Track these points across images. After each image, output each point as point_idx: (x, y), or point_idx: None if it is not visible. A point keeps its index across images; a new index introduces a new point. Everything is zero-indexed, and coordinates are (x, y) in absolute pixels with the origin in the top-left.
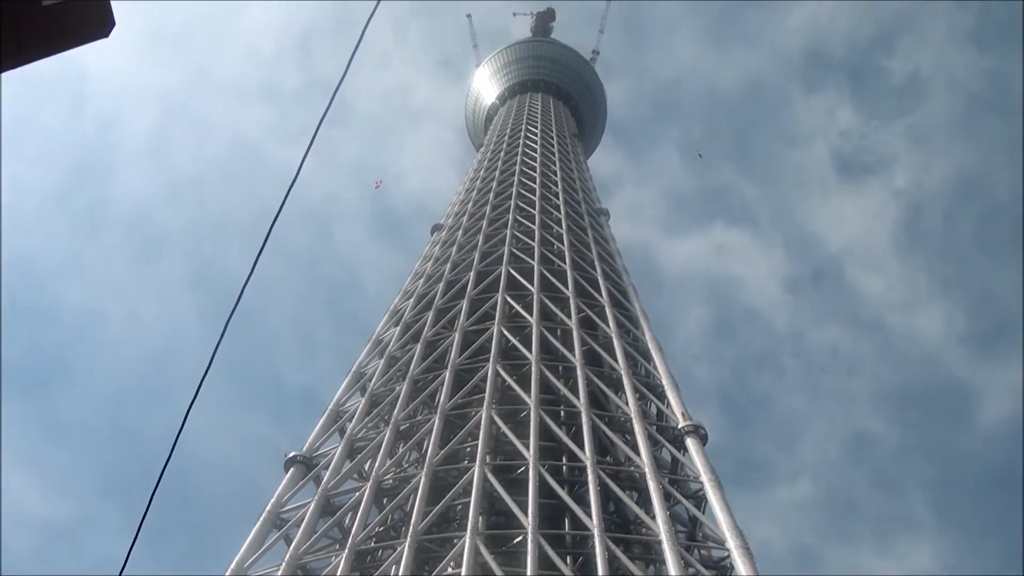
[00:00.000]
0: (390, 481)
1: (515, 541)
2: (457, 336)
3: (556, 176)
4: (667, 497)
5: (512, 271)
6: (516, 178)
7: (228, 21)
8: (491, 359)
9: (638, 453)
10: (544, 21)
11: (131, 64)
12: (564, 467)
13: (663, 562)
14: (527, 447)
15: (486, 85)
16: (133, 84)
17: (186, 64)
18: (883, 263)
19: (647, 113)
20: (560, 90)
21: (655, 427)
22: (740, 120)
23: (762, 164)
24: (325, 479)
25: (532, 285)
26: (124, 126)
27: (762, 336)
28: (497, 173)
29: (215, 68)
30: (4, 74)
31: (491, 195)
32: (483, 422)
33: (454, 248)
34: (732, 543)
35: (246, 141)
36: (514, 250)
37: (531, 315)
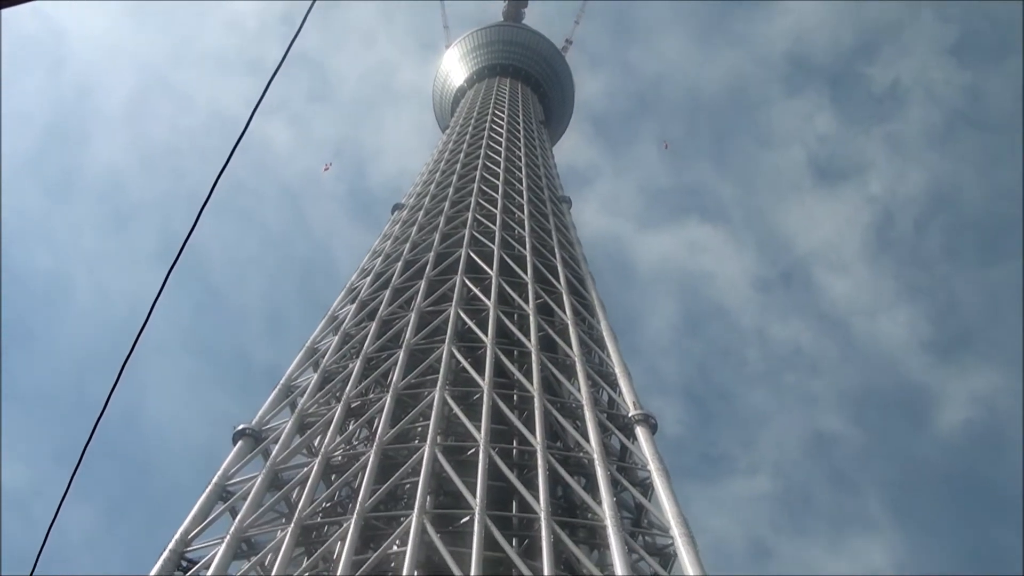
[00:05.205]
0: (339, 458)
1: (462, 521)
2: (413, 316)
3: (520, 162)
4: (614, 484)
5: (472, 254)
6: (480, 161)
7: None
8: (446, 340)
9: (588, 440)
10: (516, 7)
11: (112, 30)
12: (514, 451)
13: (608, 547)
14: (478, 429)
15: (455, 67)
16: (113, 50)
17: (168, 33)
18: (852, 267)
19: (628, 107)
20: (529, 76)
21: (606, 415)
22: (720, 119)
23: (739, 164)
24: (274, 453)
25: (491, 269)
26: (102, 93)
27: (728, 332)
28: (462, 156)
29: (197, 39)
30: None
31: (455, 177)
32: (435, 403)
33: (414, 228)
34: (676, 531)
35: (224, 113)
36: (475, 233)
37: (489, 299)
